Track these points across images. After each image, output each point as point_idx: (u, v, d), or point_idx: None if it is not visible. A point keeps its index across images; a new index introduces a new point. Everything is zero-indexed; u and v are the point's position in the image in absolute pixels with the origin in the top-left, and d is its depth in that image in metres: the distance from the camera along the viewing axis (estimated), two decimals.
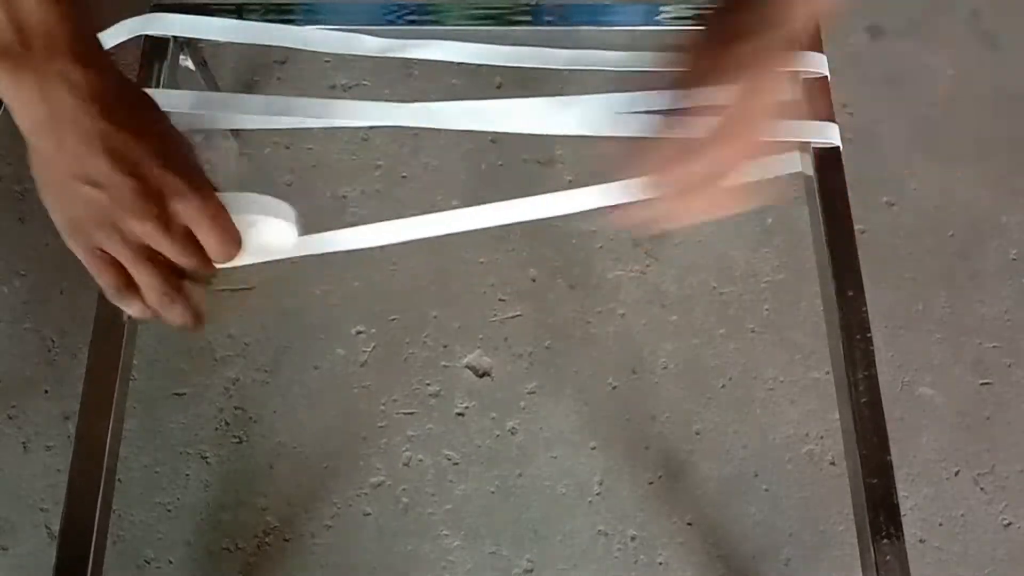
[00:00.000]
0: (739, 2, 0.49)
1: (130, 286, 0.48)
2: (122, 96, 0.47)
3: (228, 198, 0.49)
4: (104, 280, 0.48)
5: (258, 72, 1.08)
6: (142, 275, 0.47)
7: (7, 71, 0.44)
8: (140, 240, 0.46)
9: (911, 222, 1.04)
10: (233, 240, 0.49)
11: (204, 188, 0.48)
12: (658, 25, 0.82)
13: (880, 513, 0.63)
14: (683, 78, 0.49)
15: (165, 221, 0.46)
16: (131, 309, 0.49)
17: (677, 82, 0.50)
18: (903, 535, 0.62)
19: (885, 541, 0.62)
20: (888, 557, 0.61)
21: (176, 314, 0.49)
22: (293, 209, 0.54)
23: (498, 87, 1.04)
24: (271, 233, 0.53)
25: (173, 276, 0.48)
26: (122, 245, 0.46)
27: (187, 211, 0.47)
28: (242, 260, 0.52)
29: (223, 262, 0.50)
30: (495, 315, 0.98)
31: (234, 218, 0.49)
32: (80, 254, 0.47)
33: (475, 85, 1.05)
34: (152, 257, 0.47)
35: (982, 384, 0.97)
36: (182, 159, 0.48)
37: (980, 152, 1.07)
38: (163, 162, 0.46)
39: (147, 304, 0.49)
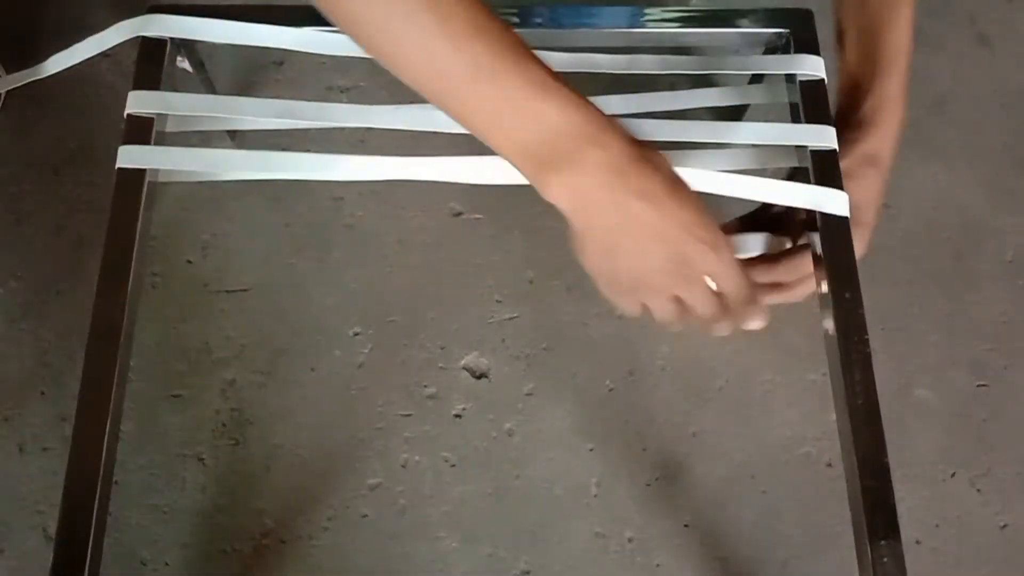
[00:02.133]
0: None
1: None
2: (654, 162, 0.57)
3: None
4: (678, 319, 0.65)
5: (256, 74, 1.08)
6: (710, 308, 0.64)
7: (552, 175, 0.55)
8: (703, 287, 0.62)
9: (907, 224, 1.04)
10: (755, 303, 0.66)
11: (725, 242, 0.60)
12: (648, 27, 0.82)
13: (877, 515, 0.63)
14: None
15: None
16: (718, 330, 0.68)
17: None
18: (900, 537, 0.62)
19: (883, 543, 0.62)
20: (886, 559, 0.61)
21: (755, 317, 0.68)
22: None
23: None
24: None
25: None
26: (690, 286, 0.61)
27: (718, 265, 0.60)
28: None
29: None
30: (492, 317, 0.98)
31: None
32: (653, 300, 0.63)
33: None
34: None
35: (979, 386, 0.97)
36: (706, 215, 0.59)
37: (977, 154, 1.08)
38: (701, 220, 0.58)
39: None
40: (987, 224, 1.04)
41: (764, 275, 0.74)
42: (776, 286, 0.75)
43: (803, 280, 0.74)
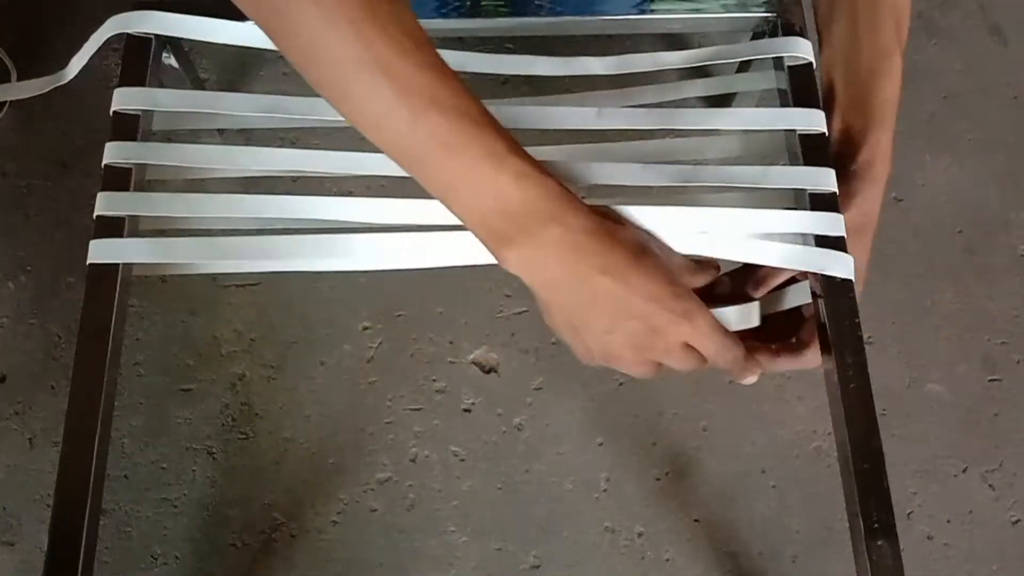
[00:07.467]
0: None
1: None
2: (615, 235, 0.55)
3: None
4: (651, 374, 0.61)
5: (251, 72, 1.08)
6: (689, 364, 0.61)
7: (512, 251, 0.53)
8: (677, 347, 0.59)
9: (919, 218, 1.03)
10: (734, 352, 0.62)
11: (699, 311, 0.58)
12: (634, 13, 0.81)
13: (871, 499, 0.61)
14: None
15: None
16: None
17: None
18: (894, 521, 0.61)
19: (876, 526, 0.61)
20: (880, 543, 0.60)
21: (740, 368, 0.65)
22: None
23: (503, 83, 1.03)
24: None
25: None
26: (666, 353, 0.59)
27: (694, 335, 0.58)
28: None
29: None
30: (501, 311, 0.97)
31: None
32: (628, 367, 0.60)
33: (475, 83, 1.05)
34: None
35: (990, 380, 0.96)
36: (678, 284, 0.58)
37: (988, 148, 1.07)
38: (671, 291, 0.56)
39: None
40: (999, 218, 1.03)
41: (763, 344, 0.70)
42: (777, 348, 0.71)
43: (810, 348, 0.69)
